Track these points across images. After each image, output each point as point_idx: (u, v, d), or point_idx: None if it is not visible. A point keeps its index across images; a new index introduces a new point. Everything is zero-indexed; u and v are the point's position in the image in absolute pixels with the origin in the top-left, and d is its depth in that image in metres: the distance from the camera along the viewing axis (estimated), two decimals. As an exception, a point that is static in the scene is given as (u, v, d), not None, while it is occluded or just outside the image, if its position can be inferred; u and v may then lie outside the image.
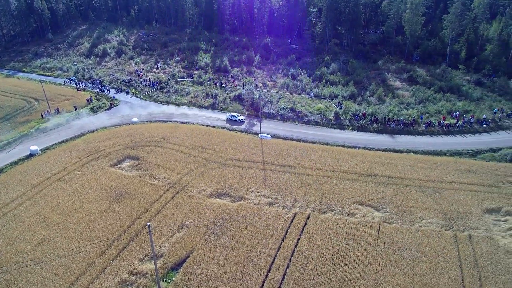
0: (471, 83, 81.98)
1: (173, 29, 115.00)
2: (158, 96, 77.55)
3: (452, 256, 37.36)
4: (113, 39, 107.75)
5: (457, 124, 64.78)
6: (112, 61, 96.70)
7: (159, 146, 58.18)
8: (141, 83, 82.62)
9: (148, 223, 32.94)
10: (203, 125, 65.80)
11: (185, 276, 35.64)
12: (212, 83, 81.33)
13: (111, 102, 75.80)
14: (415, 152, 57.10)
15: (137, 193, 47.53)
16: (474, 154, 56.82)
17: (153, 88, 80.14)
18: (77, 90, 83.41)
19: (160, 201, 46.24)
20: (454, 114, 67.49)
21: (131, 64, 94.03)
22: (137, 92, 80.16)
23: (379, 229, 40.82)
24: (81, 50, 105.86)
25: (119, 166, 54.10)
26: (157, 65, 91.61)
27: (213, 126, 65.51)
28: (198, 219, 42.81)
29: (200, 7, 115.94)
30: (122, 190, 47.98)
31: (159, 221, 42.78)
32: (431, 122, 65.26)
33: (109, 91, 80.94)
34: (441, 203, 44.88)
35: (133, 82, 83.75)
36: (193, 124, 66.28)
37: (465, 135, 63.10)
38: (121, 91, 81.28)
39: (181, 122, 66.94)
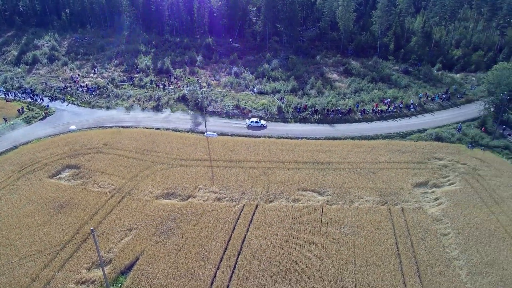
0: (400, 72, 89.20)
1: (109, 32, 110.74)
2: (97, 102, 74.50)
3: (388, 228, 40.94)
4: (43, 45, 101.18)
5: (388, 110, 70.32)
6: (44, 68, 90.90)
7: (101, 153, 56.20)
8: (78, 90, 78.82)
9: (92, 228, 32.10)
10: (148, 128, 64.55)
11: (136, 278, 35.28)
12: (155, 85, 79.95)
13: (45, 111, 71.41)
14: (352, 138, 61.17)
15: (80, 202, 45.75)
16: (404, 135, 62.24)
17: (92, 94, 76.88)
18: (6, 101, 77.36)
19: (105, 207, 44.93)
20: (386, 101, 73.16)
21: (65, 70, 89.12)
22: (73, 99, 76.31)
23: (322, 211, 43.42)
24: (8, 58, 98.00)
25: (58, 176, 51.48)
26: (94, 70, 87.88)
27: (158, 128, 64.56)
28: (146, 221, 42.34)
29: (137, 8, 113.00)
30: (63, 200, 45.86)
31: (105, 227, 41.63)
32: (365, 109, 70.17)
33: (43, 100, 76.16)
34: (376, 182, 48.79)
35: (68, 89, 79.53)
36: (137, 127, 64.74)
37: (396, 119, 68.77)
38: (56, 99, 76.85)
39: (123, 127, 65.07)
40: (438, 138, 60.44)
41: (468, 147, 58.28)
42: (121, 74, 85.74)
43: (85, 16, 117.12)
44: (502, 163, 54.25)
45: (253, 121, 65.58)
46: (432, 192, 47.74)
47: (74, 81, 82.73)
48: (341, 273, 35.12)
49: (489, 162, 53.97)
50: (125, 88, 79.03)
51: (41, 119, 69.47)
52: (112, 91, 77.28)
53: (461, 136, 60.85)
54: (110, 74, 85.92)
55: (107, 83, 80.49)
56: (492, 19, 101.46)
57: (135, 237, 40.22)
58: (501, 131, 63.21)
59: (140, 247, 38.88)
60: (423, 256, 37.35)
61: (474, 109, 69.98)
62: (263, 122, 65.92)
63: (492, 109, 64.95)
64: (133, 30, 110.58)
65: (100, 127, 65.62)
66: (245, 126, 65.18)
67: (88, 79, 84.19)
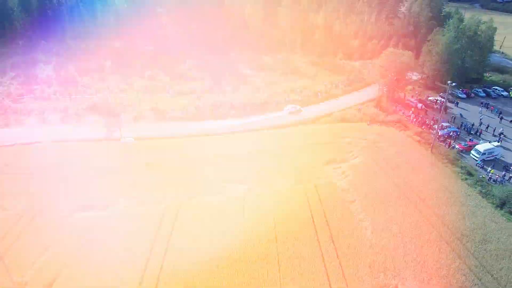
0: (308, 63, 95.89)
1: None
2: (-8, 120, 66.77)
3: (303, 204, 44.55)
4: None
5: (300, 99, 75.33)
6: None
7: (2, 174, 50.92)
8: (-33, 109, 69.76)
9: (-5, 253, 29.54)
10: (55, 141, 59.68)
11: (56, 298, 33.33)
12: (59, 96, 74.33)
13: None
14: (268, 128, 64.45)
15: (-19, 231, 41.19)
16: (314, 120, 67.44)
17: (-15, 112, 68.66)
18: None
19: (12, 233, 41.09)
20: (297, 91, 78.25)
21: None
22: (-38, 120, 67.32)
23: (244, 199, 45.37)
24: None
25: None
26: (-15, 86, 78.54)
27: (67, 140, 60.14)
28: (63, 238, 39.89)
29: (31, 15, 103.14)
30: (-43, 232, 40.80)
31: (16, 253, 38.16)
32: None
33: None
34: (292, 165, 52.42)
35: (-46, 109, 69.92)
36: (41, 143, 59.58)
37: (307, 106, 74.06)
38: None
39: (26, 144, 59.40)
40: (343, 119, 66.88)
41: (368, 124, 65.58)
42: (19, 87, 77.93)
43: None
44: (395, 134, 62.29)
45: (292, 107, 70.69)
46: (340, 167, 52.94)
47: (-39, 100, 72.95)
48: (264, 252, 37.43)
49: (385, 135, 61.58)
50: (24, 102, 72.10)
51: None
52: (10, 106, 69.99)
53: (362, 116, 68.15)
54: (5, 88, 77.53)
55: (3, 98, 72.66)
56: (382, 12, 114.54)
57: (52, 256, 37.73)
58: (394, 108, 72.28)
59: (59, 265, 36.63)
60: (335, 223, 41.56)
61: (371, 91, 78.73)
62: (298, 107, 71.33)
63: (385, 89, 73.75)
64: (29, 39, 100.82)
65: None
66: (285, 114, 69.43)
67: (-22, 96, 74.94)
